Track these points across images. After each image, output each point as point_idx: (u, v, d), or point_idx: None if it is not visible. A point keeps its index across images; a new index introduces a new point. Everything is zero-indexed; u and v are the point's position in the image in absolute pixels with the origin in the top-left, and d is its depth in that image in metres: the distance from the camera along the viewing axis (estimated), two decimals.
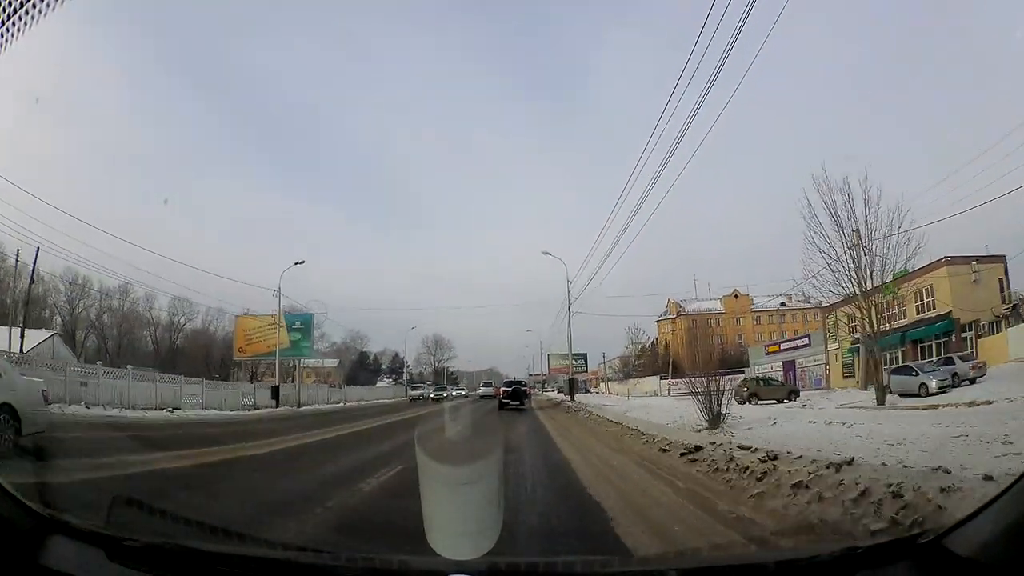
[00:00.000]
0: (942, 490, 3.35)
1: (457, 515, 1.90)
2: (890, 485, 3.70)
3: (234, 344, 41.51)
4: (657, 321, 72.39)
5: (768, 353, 44.09)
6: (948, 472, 3.86)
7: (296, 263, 34.16)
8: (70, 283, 48.75)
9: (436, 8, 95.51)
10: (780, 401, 23.10)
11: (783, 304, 71.26)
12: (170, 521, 2.74)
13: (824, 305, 38.38)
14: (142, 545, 1.74)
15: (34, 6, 2.19)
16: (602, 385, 68.34)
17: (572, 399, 33.91)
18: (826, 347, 37.03)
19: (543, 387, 73.81)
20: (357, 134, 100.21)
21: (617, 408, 20.19)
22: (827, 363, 37.03)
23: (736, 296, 70.07)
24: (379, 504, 5.10)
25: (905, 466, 4.37)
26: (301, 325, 39.62)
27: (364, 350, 78.65)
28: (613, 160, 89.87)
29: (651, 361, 69.02)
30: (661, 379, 50.24)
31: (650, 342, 73.93)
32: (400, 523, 3.74)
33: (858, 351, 34.13)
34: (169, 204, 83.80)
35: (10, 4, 2.15)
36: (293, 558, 2.24)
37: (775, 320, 71.78)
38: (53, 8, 2.24)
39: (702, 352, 67.60)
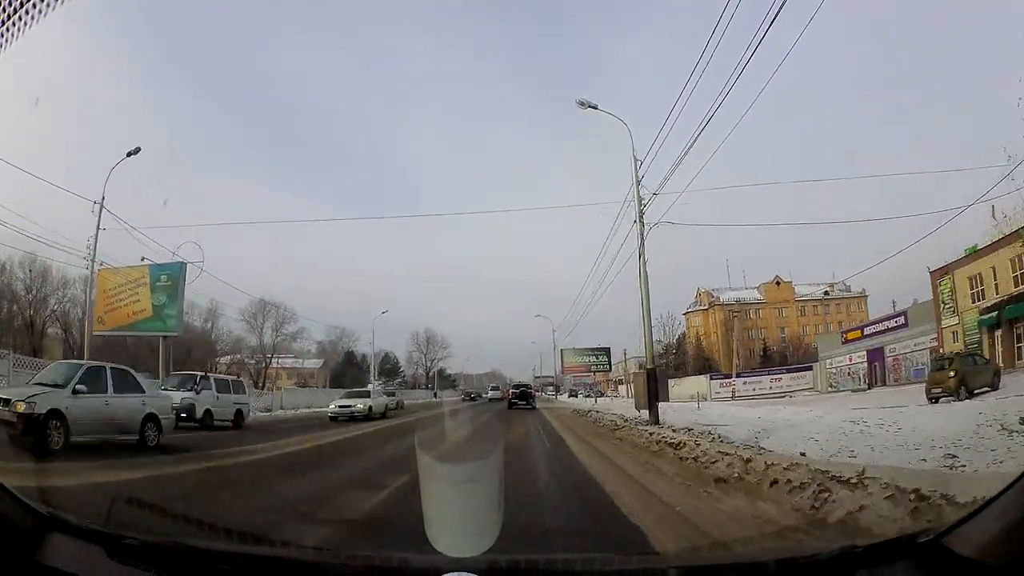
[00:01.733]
0: None
1: (457, 513, 1.87)
2: None
3: (93, 311, 25.72)
4: (686, 313, 63.67)
5: (846, 341, 35.27)
6: None
7: (128, 153, 22.16)
8: (30, 269, 42.57)
9: (438, 5, 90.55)
10: (972, 393, 14.24)
11: (826, 293, 63.43)
12: (169, 519, 2.77)
13: (933, 269, 30.15)
14: (141, 543, 1.74)
15: (34, 6, 2.21)
16: (621, 388, 55.79)
17: (654, 417, 14.55)
18: (939, 324, 28.50)
19: (556, 392, 62.78)
20: (356, 128, 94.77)
21: (736, 432, 11.20)
22: (940, 345, 28.45)
23: (778, 284, 61.34)
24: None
25: None
26: (167, 280, 24.79)
27: (351, 349, 64.91)
28: (622, 159, 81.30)
29: (679, 358, 60.22)
30: (711, 379, 41.30)
31: (675, 338, 64.77)
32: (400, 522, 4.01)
33: (994, 323, 25.83)
34: (169, 203, 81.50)
35: (10, 4, 2.19)
36: (293, 556, 2.28)
37: (819, 311, 63.56)
38: (53, 8, 2.26)
39: (743, 347, 59.65)
